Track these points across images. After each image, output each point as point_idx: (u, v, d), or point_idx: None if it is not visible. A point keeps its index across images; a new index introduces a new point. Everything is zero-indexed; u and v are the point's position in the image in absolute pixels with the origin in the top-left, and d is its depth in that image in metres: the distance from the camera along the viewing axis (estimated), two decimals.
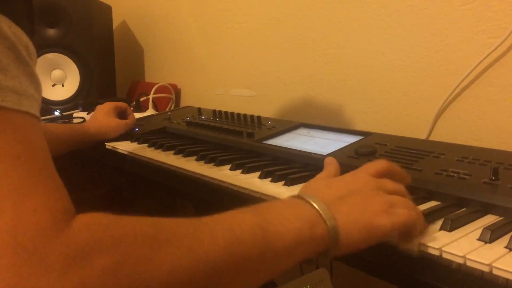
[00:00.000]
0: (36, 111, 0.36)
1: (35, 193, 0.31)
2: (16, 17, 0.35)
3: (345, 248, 0.46)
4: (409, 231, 0.48)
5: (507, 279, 0.42)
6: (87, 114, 1.40)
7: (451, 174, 0.66)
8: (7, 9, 0.34)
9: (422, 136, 1.02)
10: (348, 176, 0.56)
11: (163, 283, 0.34)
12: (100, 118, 1.07)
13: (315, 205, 0.47)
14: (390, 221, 0.47)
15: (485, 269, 0.43)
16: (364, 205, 0.49)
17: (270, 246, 0.42)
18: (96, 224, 0.33)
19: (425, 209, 0.55)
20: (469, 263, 0.45)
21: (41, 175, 0.33)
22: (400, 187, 0.54)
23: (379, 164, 0.57)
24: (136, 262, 0.33)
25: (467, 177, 0.64)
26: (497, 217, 0.56)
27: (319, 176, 0.59)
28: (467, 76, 0.95)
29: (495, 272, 0.43)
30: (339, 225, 0.46)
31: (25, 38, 0.36)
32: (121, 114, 1.13)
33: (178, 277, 0.35)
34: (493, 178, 0.62)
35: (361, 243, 0.47)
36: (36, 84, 0.37)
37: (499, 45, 0.89)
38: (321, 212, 0.46)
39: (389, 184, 0.54)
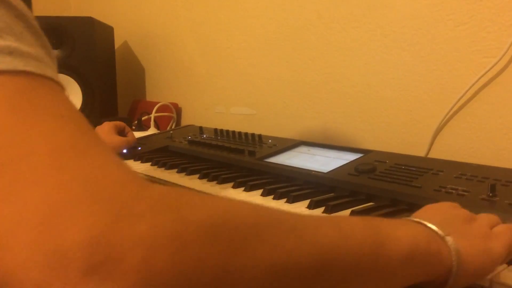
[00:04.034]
0: (60, 82, 0.31)
1: (93, 151, 0.27)
2: None
3: (469, 274, 0.40)
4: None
5: None
6: None
7: (450, 190, 0.67)
8: None
9: (421, 153, 1.04)
10: (435, 204, 0.50)
11: (268, 262, 0.28)
12: (102, 137, 1.09)
13: (425, 222, 0.41)
14: (502, 243, 0.43)
15: None
16: (472, 229, 0.43)
17: (382, 248, 0.35)
18: (182, 190, 0.28)
19: None
20: None
21: (92, 135, 0.28)
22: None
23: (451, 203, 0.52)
24: (239, 234, 0.27)
25: (465, 193, 0.66)
26: None
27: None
28: (464, 94, 0.97)
29: None
30: (458, 246, 0.40)
31: (30, 12, 0.32)
32: (120, 133, 1.16)
33: (280, 261, 0.29)
34: (491, 194, 0.63)
35: (484, 269, 0.41)
36: (53, 58, 0.33)
37: (495, 64, 0.91)
38: (434, 229, 0.40)
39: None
